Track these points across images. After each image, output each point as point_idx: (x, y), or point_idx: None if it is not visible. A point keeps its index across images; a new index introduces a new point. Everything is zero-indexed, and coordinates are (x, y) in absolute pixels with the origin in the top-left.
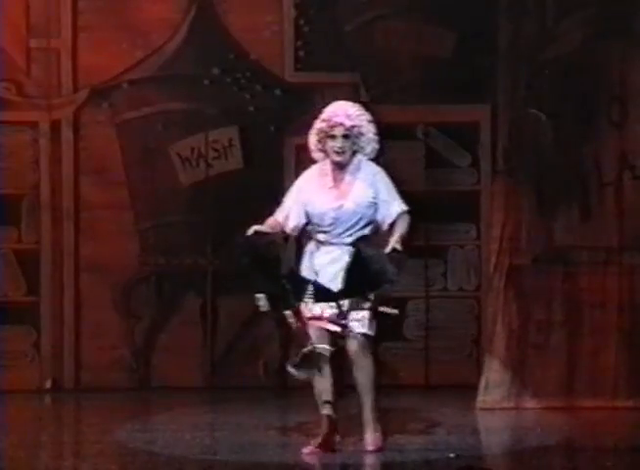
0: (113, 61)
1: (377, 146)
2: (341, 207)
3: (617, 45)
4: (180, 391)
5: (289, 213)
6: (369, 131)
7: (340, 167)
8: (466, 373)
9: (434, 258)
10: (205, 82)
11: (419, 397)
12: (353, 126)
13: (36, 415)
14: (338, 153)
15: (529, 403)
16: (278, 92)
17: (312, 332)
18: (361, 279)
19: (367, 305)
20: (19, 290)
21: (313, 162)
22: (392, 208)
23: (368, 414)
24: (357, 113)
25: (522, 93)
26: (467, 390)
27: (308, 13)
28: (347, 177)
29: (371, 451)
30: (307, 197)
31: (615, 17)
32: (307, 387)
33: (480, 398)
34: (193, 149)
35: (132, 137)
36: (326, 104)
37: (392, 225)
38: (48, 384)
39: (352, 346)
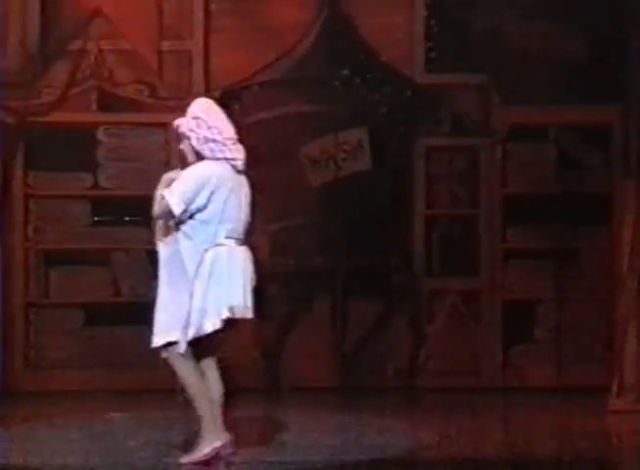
0: (244, 62)
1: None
2: None
3: None
4: (309, 391)
5: None
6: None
7: None
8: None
9: (566, 260)
10: (335, 83)
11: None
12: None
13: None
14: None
15: None
16: (408, 93)
17: None
18: None
19: None
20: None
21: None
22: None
23: None
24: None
25: None
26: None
27: (439, 13)
28: None
29: None
30: None
31: None
32: (441, 389)
33: None
34: (322, 150)
35: (262, 138)
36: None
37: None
38: None
39: None
